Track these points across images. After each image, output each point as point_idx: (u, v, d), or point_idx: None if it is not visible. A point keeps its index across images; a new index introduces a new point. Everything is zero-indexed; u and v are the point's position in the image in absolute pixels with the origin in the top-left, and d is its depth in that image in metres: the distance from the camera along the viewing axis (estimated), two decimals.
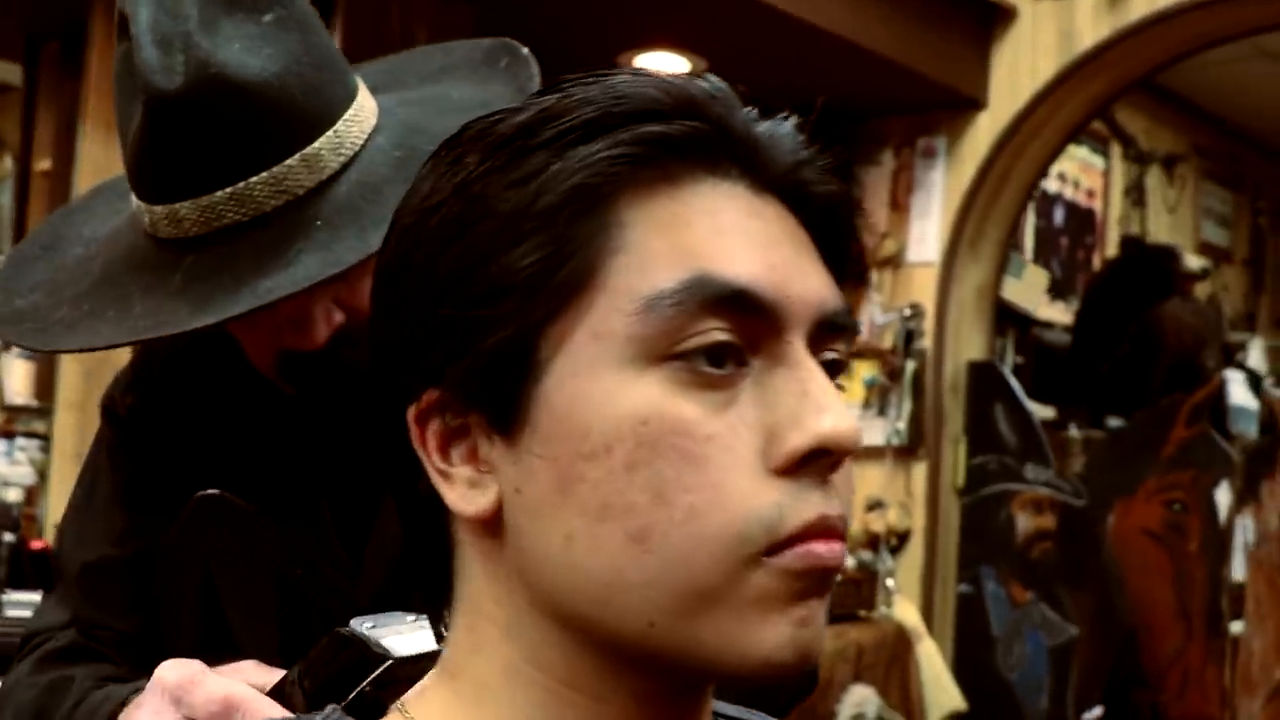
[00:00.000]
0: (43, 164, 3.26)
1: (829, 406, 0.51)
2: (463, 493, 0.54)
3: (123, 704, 0.92)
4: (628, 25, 3.29)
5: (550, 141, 0.52)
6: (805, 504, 0.50)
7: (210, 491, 1.00)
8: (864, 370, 3.81)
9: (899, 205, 3.78)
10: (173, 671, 0.87)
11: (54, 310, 0.98)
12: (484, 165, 0.53)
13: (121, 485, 1.10)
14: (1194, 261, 5.09)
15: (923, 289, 3.74)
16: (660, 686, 0.54)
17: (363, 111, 0.97)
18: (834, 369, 0.54)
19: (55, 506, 2.95)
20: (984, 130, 3.60)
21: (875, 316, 3.81)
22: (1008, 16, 3.57)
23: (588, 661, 0.53)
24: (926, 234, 3.70)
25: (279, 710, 0.83)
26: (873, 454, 3.69)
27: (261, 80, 0.91)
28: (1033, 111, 3.53)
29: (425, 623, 0.81)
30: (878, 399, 3.79)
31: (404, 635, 0.80)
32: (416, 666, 0.78)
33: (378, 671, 0.78)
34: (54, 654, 1.06)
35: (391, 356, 0.56)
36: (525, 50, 1.04)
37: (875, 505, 3.69)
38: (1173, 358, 4.71)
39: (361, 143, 0.96)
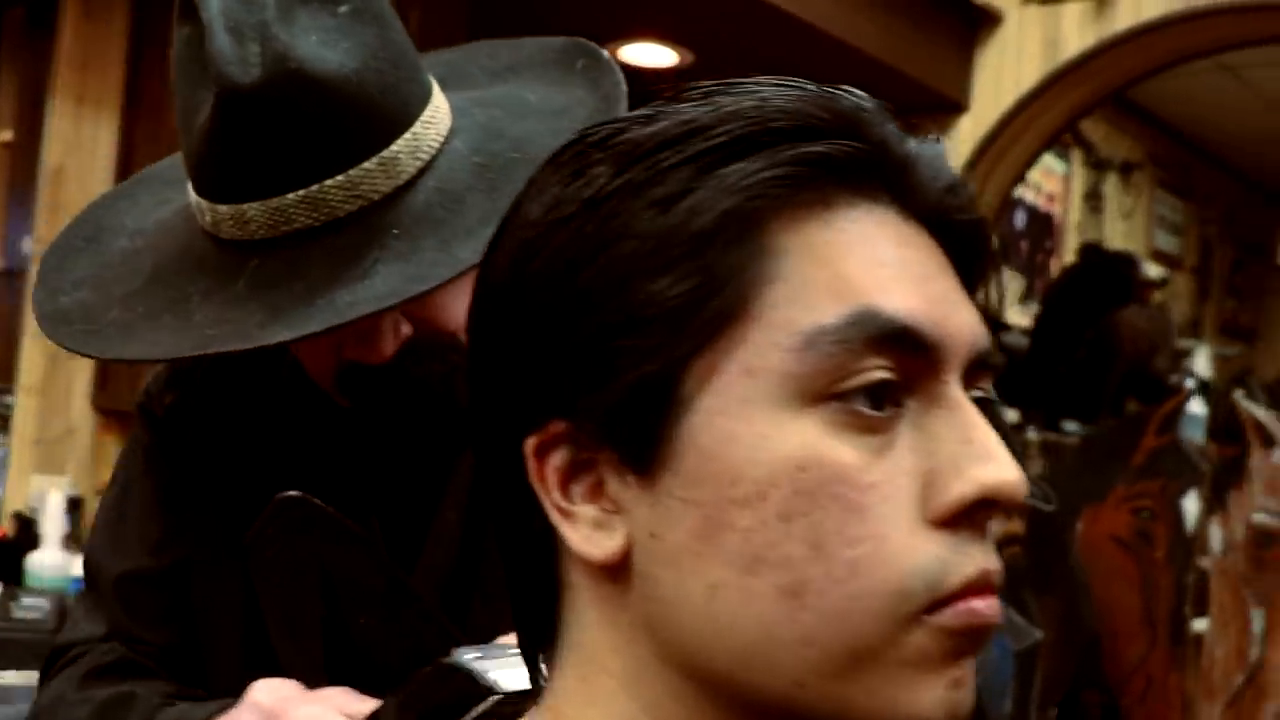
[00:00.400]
0: (4, 135, 3.13)
1: (995, 455, 0.47)
2: (587, 534, 0.50)
3: None
4: (617, 16, 3.24)
5: (697, 157, 0.48)
6: (966, 559, 0.47)
7: (292, 494, 0.95)
8: None
9: None
10: (267, 693, 0.84)
11: (104, 311, 0.92)
12: (620, 179, 0.49)
13: (158, 490, 1.05)
14: (1152, 269, 5.16)
15: None
16: None
17: (439, 113, 0.92)
18: (982, 408, 0.50)
19: (14, 492, 2.84)
20: (965, 133, 3.60)
21: None
22: (993, 21, 3.56)
23: (714, 717, 0.50)
24: None
25: None
26: None
27: (340, 76, 0.86)
28: (1015, 117, 3.53)
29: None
30: None
31: (511, 670, 0.75)
32: (521, 704, 0.76)
33: (483, 707, 0.72)
34: (102, 669, 1.01)
35: (507, 381, 0.51)
36: (605, 54, 0.99)
37: None
38: (1128, 364, 4.76)
39: (438, 146, 0.90)
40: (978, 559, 0.48)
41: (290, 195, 0.86)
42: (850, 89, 0.51)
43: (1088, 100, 3.64)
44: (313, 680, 0.91)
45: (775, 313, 0.47)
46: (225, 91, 0.84)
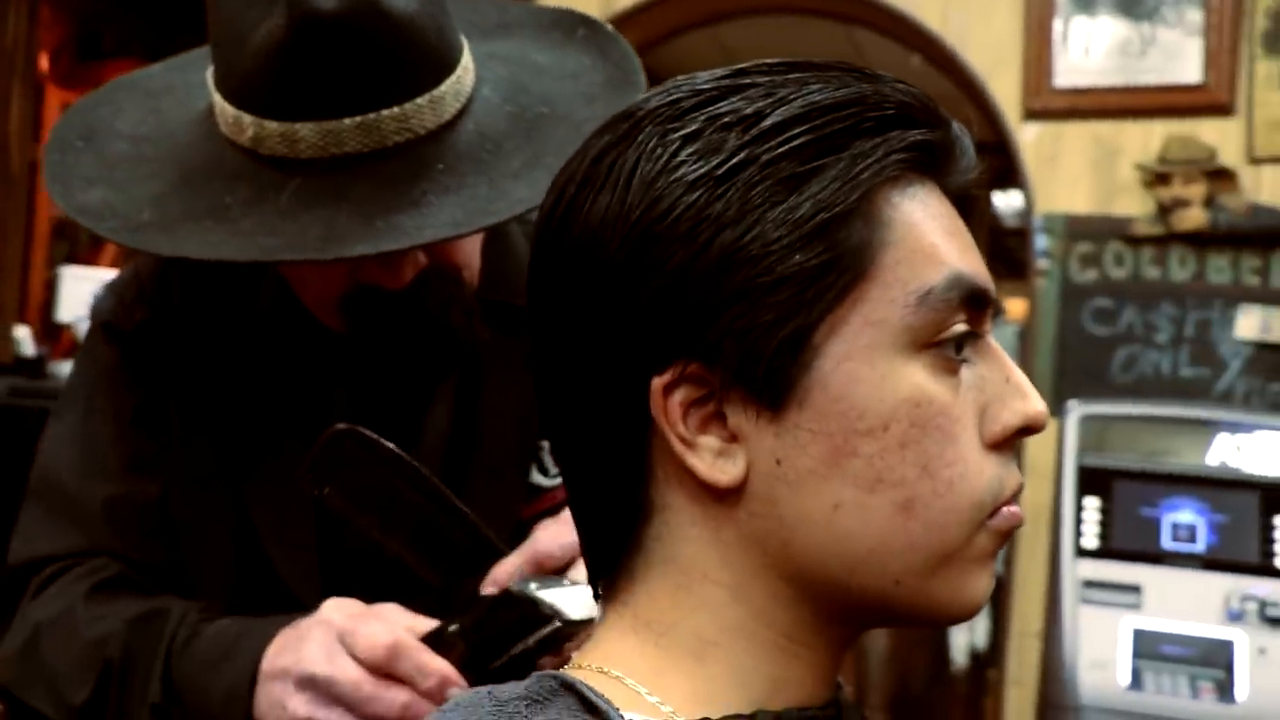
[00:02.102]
0: None
1: (1030, 391, 0.60)
2: (711, 462, 0.58)
3: (265, 640, 0.90)
4: None
5: (824, 138, 0.56)
6: (1011, 474, 0.60)
7: (342, 426, 0.95)
8: None
9: None
10: (338, 611, 0.88)
11: (135, 210, 0.93)
12: (757, 151, 0.56)
13: (134, 410, 1.04)
14: None
15: None
16: (855, 632, 0.62)
17: (470, 61, 0.97)
18: None
19: None
20: None
21: None
22: None
23: (812, 616, 0.59)
24: None
25: (441, 662, 0.84)
26: None
27: (408, 15, 0.90)
28: None
29: (582, 587, 0.87)
30: None
31: (570, 597, 0.83)
32: (579, 629, 0.85)
33: (545, 630, 0.81)
34: (109, 582, 1.01)
35: (634, 328, 0.57)
36: (607, 25, 1.06)
37: None
38: None
39: (472, 92, 0.95)
40: (1016, 474, 0.60)
41: (346, 120, 0.89)
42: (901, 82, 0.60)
43: None
44: (367, 597, 0.93)
45: (890, 274, 0.57)
46: (304, 15, 0.86)
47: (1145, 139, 3.02)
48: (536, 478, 1.08)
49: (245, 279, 1.04)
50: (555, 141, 0.94)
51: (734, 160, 0.56)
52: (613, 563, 0.62)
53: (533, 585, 0.84)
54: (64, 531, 1.04)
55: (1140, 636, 2.48)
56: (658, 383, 0.57)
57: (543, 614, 0.83)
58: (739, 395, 0.57)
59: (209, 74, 0.97)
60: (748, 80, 0.59)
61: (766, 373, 0.56)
